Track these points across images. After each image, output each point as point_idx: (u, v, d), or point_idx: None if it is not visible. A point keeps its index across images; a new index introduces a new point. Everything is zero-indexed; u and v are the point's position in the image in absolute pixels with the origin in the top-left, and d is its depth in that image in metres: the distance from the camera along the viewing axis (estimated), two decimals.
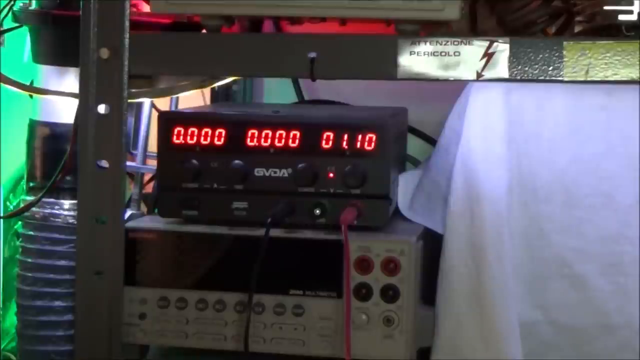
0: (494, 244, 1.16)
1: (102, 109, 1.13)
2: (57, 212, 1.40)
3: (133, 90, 1.23)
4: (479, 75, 1.07)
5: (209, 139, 1.21)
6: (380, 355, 1.16)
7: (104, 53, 1.12)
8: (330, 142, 1.19)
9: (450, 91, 1.22)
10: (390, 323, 1.15)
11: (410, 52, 1.08)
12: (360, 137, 1.18)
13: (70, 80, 1.38)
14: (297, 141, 1.20)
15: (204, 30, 1.15)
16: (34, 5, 1.39)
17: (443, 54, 1.07)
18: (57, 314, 1.40)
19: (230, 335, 1.19)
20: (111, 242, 1.15)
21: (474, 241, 1.16)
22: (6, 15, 1.39)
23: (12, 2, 1.38)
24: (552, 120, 1.18)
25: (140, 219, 1.34)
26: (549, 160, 1.19)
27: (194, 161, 1.21)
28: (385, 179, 1.19)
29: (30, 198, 1.42)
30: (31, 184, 1.44)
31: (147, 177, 1.54)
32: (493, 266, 1.15)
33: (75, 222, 1.18)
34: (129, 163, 1.38)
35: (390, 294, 1.15)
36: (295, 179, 1.20)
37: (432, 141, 1.49)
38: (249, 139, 1.21)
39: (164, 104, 1.51)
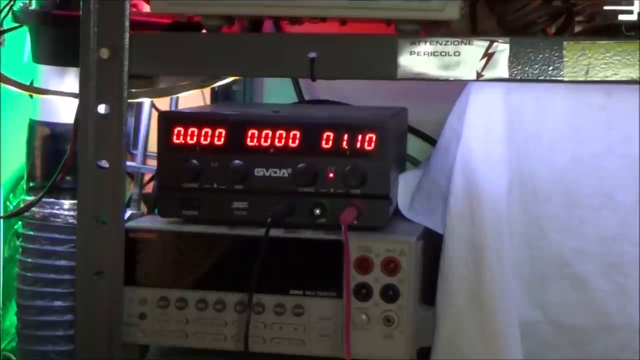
0: (494, 244, 1.16)
1: (102, 109, 1.13)
2: (57, 212, 1.40)
3: (133, 90, 1.23)
4: (479, 75, 1.07)
5: (209, 139, 1.21)
6: (380, 355, 1.16)
7: (104, 53, 1.12)
8: (330, 142, 1.19)
9: (450, 91, 1.22)
10: (390, 323, 1.15)
11: (410, 52, 1.08)
12: (360, 137, 1.18)
13: (70, 80, 1.38)
14: (297, 141, 1.20)
15: (204, 30, 1.15)
16: (34, 5, 1.39)
17: (443, 54, 1.07)
18: (57, 314, 1.40)
19: (230, 335, 1.19)
20: (111, 242, 1.15)
21: (474, 241, 1.16)
22: (6, 15, 1.39)
23: (12, 2, 1.38)
24: (552, 120, 1.18)
25: (140, 219, 1.34)
26: (549, 160, 1.19)
27: (194, 161, 1.21)
28: (385, 179, 1.19)
29: (30, 198, 1.42)
30: (31, 184, 1.44)
31: (147, 177, 1.54)
32: (493, 266, 1.15)
33: (75, 222, 1.18)
34: (129, 163, 1.38)
35: (390, 294, 1.15)
36: (295, 179, 1.20)
37: (432, 141, 1.49)
38: (249, 139, 1.21)
39: (164, 104, 1.50)
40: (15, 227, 1.57)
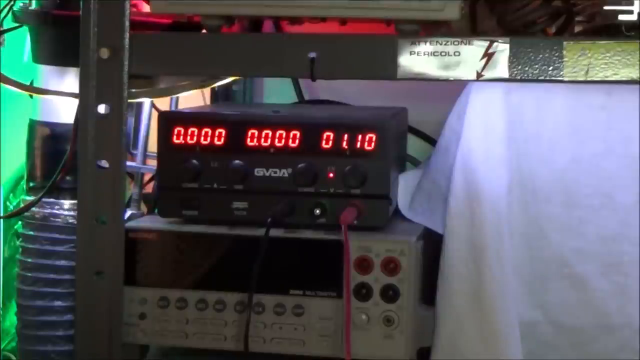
0: (494, 244, 1.16)
1: (102, 109, 1.13)
2: (57, 212, 1.40)
3: (133, 90, 1.23)
4: (479, 75, 1.07)
5: (209, 139, 1.21)
6: (380, 355, 1.16)
7: (104, 53, 1.12)
8: (330, 142, 1.19)
9: (450, 91, 1.22)
10: (390, 323, 1.15)
11: (410, 52, 1.08)
12: (360, 137, 1.18)
13: (70, 80, 1.38)
14: (297, 141, 1.20)
15: (204, 30, 1.15)
16: (34, 5, 1.39)
17: (443, 54, 1.07)
18: (57, 314, 1.40)
19: (230, 335, 1.19)
20: (111, 242, 1.15)
21: (474, 241, 1.16)
22: (6, 15, 1.39)
23: (12, 2, 1.38)
24: (552, 120, 1.18)
25: (140, 219, 1.34)
26: (549, 160, 1.19)
27: (194, 161, 1.21)
28: (385, 179, 1.19)
29: (30, 198, 1.42)
30: (31, 184, 1.44)
31: (147, 177, 1.54)
32: (493, 266, 1.15)
33: (75, 222, 1.18)
34: (129, 163, 1.38)
35: (390, 294, 1.15)
36: (295, 179, 1.20)
37: (432, 141, 1.49)
38: (249, 139, 1.21)
39: (164, 104, 1.51)
40: (15, 227, 1.57)
